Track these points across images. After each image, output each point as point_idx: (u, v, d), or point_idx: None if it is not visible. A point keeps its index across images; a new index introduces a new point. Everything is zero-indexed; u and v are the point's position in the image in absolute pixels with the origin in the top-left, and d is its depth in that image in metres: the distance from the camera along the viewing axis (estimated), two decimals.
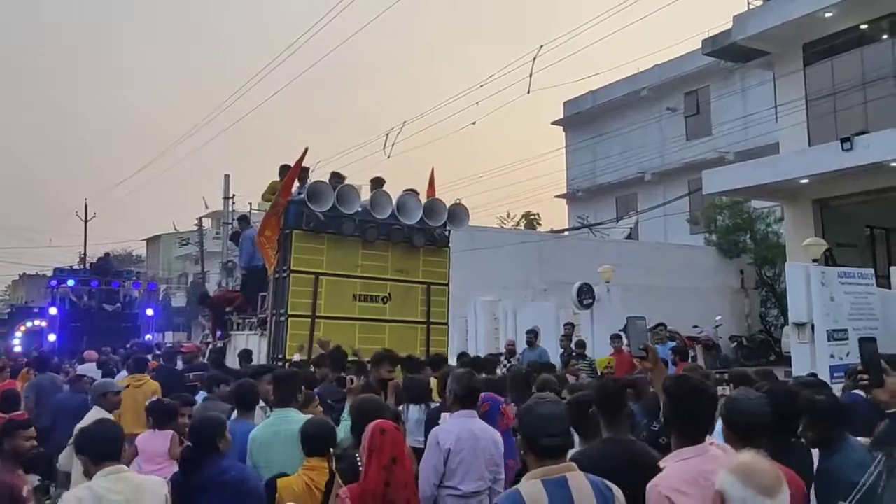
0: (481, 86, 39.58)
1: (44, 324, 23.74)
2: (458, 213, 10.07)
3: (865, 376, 3.55)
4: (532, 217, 35.97)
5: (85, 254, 41.97)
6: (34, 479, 6.09)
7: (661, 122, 26.93)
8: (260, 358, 9.32)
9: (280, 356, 8.76)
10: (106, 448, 3.61)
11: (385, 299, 9.54)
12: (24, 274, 61.09)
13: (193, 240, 41.33)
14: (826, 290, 9.59)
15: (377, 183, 10.26)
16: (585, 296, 15.51)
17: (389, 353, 6.83)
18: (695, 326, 17.51)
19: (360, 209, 9.37)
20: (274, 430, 4.55)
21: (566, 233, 26.54)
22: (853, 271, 10.48)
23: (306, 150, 9.64)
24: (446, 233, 10.07)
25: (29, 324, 26.79)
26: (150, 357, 11.39)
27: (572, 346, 13.18)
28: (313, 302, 9.04)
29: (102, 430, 3.74)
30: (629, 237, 25.43)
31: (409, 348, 8.71)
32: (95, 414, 5.87)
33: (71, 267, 25.51)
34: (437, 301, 9.92)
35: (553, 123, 31.71)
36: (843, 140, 13.26)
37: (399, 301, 9.62)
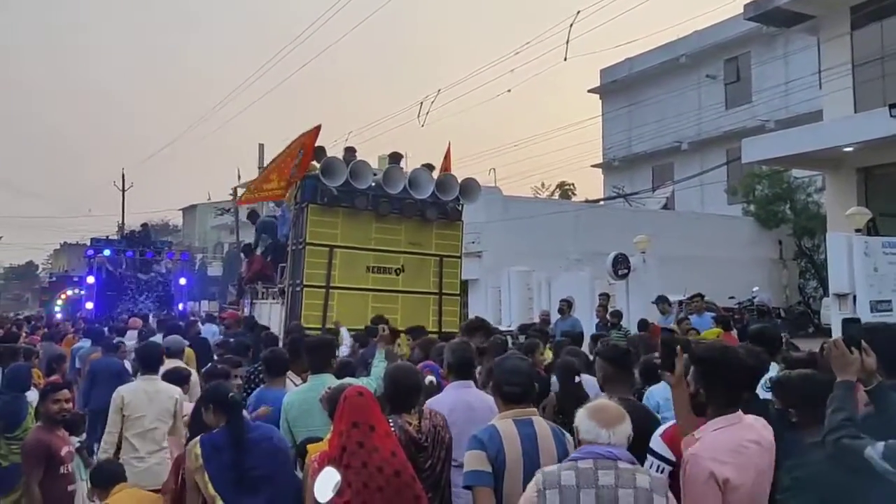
0: (517, 53, 39.16)
1: (83, 292, 24.34)
2: (470, 188, 10.24)
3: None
4: (567, 187, 35.62)
5: (123, 223, 42.58)
6: (75, 441, 6.26)
7: (700, 90, 26.38)
8: (279, 325, 9.63)
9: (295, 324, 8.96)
10: (148, 363, 5.85)
11: (398, 271, 9.86)
12: (66, 243, 62.42)
13: (229, 209, 41.73)
14: (869, 261, 9.36)
15: (394, 157, 10.55)
16: (621, 266, 15.33)
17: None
18: (731, 297, 17.27)
19: (372, 184, 9.62)
20: (313, 394, 4.57)
21: (601, 203, 26.25)
22: None
23: (319, 127, 9.85)
24: (459, 207, 10.28)
25: (70, 292, 27.45)
26: (182, 324, 11.64)
27: (608, 316, 13.07)
28: (328, 273, 9.41)
29: (149, 350, 6.14)
30: (665, 207, 25.09)
31: (421, 318, 9.25)
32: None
33: (108, 237, 26.08)
34: (449, 273, 10.21)
35: (589, 91, 31.25)
36: (892, 106, 12.83)
37: (412, 273, 9.94)
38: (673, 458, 3.02)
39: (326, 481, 3.11)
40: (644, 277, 15.28)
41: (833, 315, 10.29)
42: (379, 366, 4.95)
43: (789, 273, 21.57)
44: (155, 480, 5.09)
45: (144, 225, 27.86)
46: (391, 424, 3.52)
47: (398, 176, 9.77)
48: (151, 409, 5.60)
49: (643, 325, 10.68)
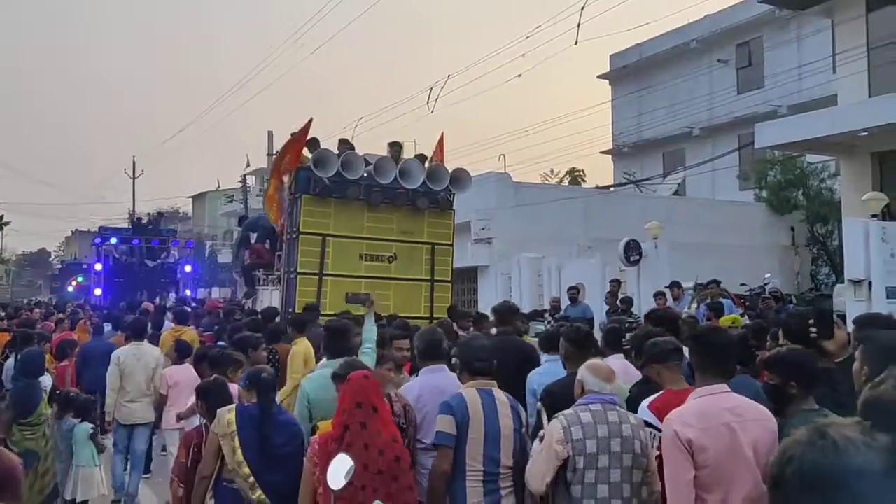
0: (527, 37, 38.70)
1: (93, 279, 24.78)
2: (460, 177, 10.55)
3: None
4: (577, 173, 35.40)
5: (133, 210, 42.65)
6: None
7: (711, 75, 26.11)
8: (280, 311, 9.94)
9: (290, 310, 9.39)
10: (135, 332, 7.88)
11: (390, 259, 10.21)
12: (77, 230, 62.72)
13: (238, 197, 41.71)
14: (886, 247, 9.25)
15: (394, 146, 10.76)
16: (633, 252, 15.25)
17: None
18: (742, 284, 17.13)
19: (364, 174, 9.95)
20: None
21: (612, 189, 26.08)
22: None
23: (311, 120, 10.24)
24: (450, 196, 10.61)
25: (80, 278, 27.76)
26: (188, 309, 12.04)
27: (618, 303, 13.01)
28: (321, 261, 9.77)
29: (138, 324, 8.16)
30: (676, 193, 24.90)
31: (413, 305, 9.71)
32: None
33: (115, 226, 26.67)
34: (441, 260, 10.56)
35: (599, 77, 31.00)
36: None
37: (404, 260, 10.29)
38: (660, 426, 3.29)
39: (340, 467, 3.09)
40: (655, 264, 15.20)
41: (848, 302, 10.18)
42: (371, 330, 5.31)
43: (801, 260, 21.35)
44: (141, 416, 7.49)
45: (160, 213, 28.29)
46: None
47: (389, 166, 10.04)
48: (139, 365, 7.56)
49: (656, 320, 10.63)
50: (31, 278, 71.00)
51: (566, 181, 34.59)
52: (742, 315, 10.89)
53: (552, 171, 36.26)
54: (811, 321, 4.06)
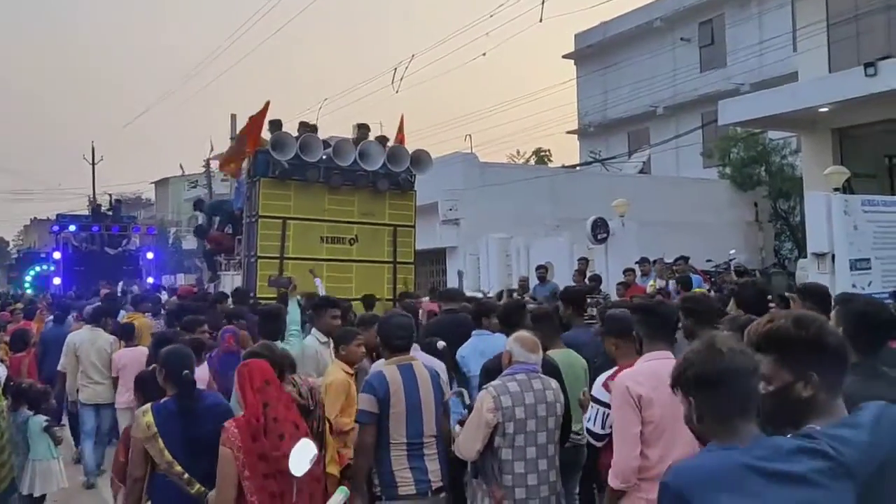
0: (491, 15, 38.06)
1: (52, 268, 24.19)
2: (420, 158, 10.56)
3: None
4: (543, 153, 35.34)
5: (94, 197, 41.73)
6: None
7: (675, 54, 26.22)
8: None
9: (251, 294, 9.31)
10: (94, 319, 8.30)
11: (352, 241, 10.20)
12: (35, 218, 61.25)
13: (202, 182, 41.01)
14: (849, 219, 9.33)
15: (362, 129, 10.76)
16: (600, 230, 15.30)
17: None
18: (708, 260, 17.30)
19: (324, 157, 9.91)
20: None
21: (578, 168, 26.13)
22: (877, 199, 10.17)
23: (268, 103, 10.23)
24: (411, 178, 10.62)
25: (38, 268, 27.13)
26: (160, 297, 11.84)
27: (586, 281, 13.02)
28: (281, 244, 9.73)
29: (100, 310, 8.63)
30: (642, 172, 25.03)
31: (375, 287, 9.61)
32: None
33: (85, 213, 26.08)
34: (403, 242, 10.57)
35: (564, 57, 30.96)
36: (867, 65, 12.77)
37: (366, 242, 10.28)
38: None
39: (302, 453, 3.00)
40: (623, 242, 15.27)
41: (811, 275, 10.27)
42: (295, 312, 5.60)
43: (765, 235, 21.66)
44: (105, 397, 7.86)
45: (118, 202, 27.71)
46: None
47: (348, 148, 10.02)
48: (93, 349, 7.93)
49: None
50: None
51: (532, 161, 34.57)
52: (708, 290, 10.98)
53: (518, 153, 36.19)
54: (769, 296, 4.28)
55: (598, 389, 3.80)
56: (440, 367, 4.63)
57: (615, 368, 3.82)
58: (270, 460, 3.16)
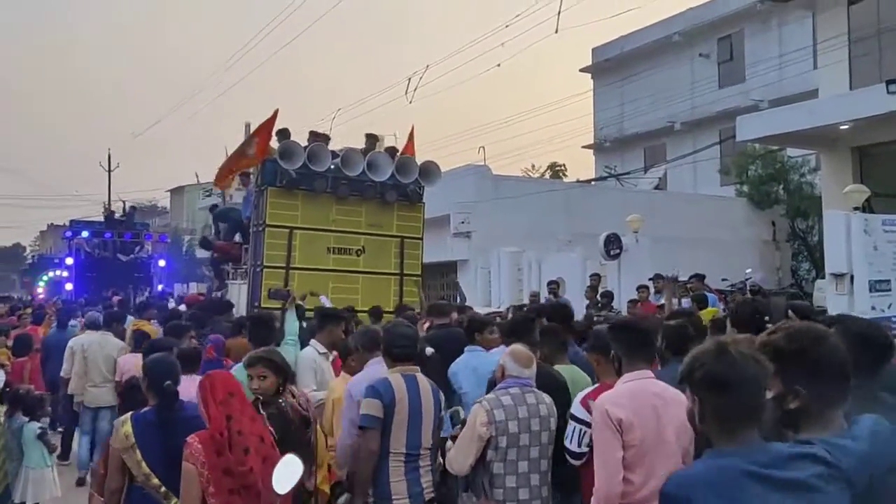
0: (507, 26, 38.21)
1: (65, 273, 24.29)
2: (430, 170, 10.49)
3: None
4: (558, 168, 35.18)
5: (109, 204, 41.93)
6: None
7: (693, 69, 26.01)
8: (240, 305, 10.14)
9: (256, 304, 9.30)
10: (92, 324, 8.49)
11: (359, 252, 10.11)
12: (52, 224, 61.82)
13: (216, 191, 41.04)
14: (869, 239, 9.10)
15: (371, 139, 10.75)
16: (613, 246, 15.08)
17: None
18: (724, 279, 17.03)
19: (332, 167, 9.86)
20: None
21: (593, 183, 25.93)
22: None
23: (276, 111, 10.13)
24: (419, 189, 10.53)
25: (51, 273, 27.27)
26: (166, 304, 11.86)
27: (598, 297, 12.83)
28: (287, 254, 9.63)
29: (110, 315, 8.92)
30: (657, 188, 24.80)
31: (381, 299, 9.52)
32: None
33: (84, 219, 26.19)
34: (410, 254, 10.46)
35: (581, 71, 30.83)
36: (889, 82, 12.51)
37: (373, 254, 10.19)
38: (590, 421, 3.44)
39: (287, 470, 2.85)
40: (636, 258, 15.05)
41: (829, 296, 10.04)
42: (293, 322, 5.61)
43: (782, 255, 21.34)
44: (106, 400, 7.98)
45: (132, 207, 27.89)
46: (282, 403, 3.83)
47: (357, 158, 9.93)
48: (101, 353, 8.11)
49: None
50: (4, 273, 69.93)
51: (547, 176, 34.39)
52: (724, 310, 10.73)
53: (533, 167, 36.06)
54: (765, 313, 4.31)
55: (576, 406, 3.73)
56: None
57: (595, 386, 3.82)
58: (236, 475, 3.07)
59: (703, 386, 1.90)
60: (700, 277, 11.91)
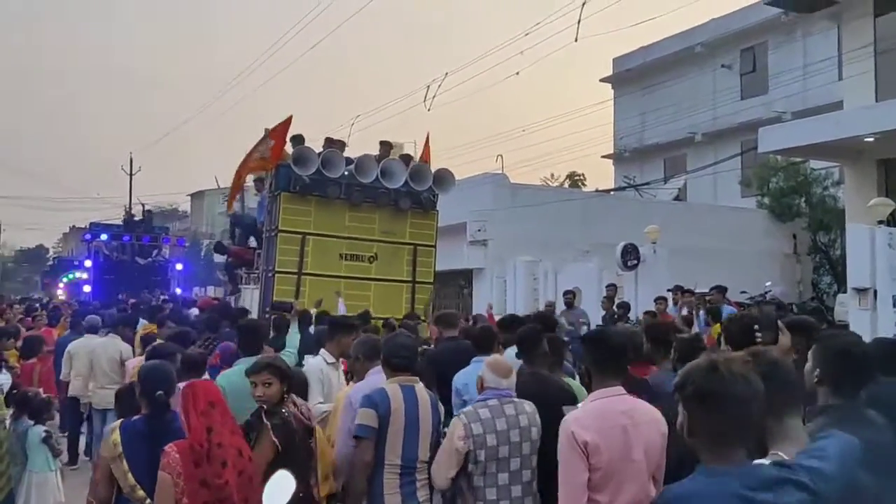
0: (526, 34, 38.27)
1: (84, 275, 24.50)
2: (444, 178, 10.45)
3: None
4: (577, 177, 35.01)
5: (130, 207, 42.27)
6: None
7: (715, 81, 25.78)
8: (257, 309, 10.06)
9: (267, 309, 9.31)
10: (91, 328, 8.70)
11: (371, 259, 10.10)
12: (74, 227, 62.40)
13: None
14: (893, 253, 8.90)
15: (385, 146, 10.69)
16: (630, 257, 14.91)
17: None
18: (743, 292, 16.78)
19: (345, 173, 9.84)
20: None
21: (612, 192, 25.73)
22: None
23: (290, 117, 10.16)
24: (433, 197, 10.48)
25: (71, 275, 27.54)
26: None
27: (614, 307, 12.65)
28: (300, 260, 9.63)
29: (94, 321, 8.89)
30: (677, 199, 24.56)
31: (393, 306, 9.52)
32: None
33: (102, 222, 26.52)
34: (423, 261, 10.42)
35: (602, 80, 30.68)
36: None
37: (385, 261, 10.16)
38: None
39: (279, 486, 2.75)
40: (653, 269, 14.86)
41: (851, 311, 9.83)
42: (294, 336, 5.63)
43: (803, 268, 21.02)
44: (109, 402, 7.34)
45: (150, 211, 28.16)
46: (286, 413, 3.75)
47: (371, 165, 9.91)
48: (105, 355, 8.26)
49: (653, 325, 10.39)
50: (27, 274, 70.70)
51: (566, 185, 34.22)
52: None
53: (552, 176, 35.91)
54: (755, 326, 4.14)
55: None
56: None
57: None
58: (212, 488, 2.99)
59: (693, 401, 1.93)
60: (721, 290, 11.70)
